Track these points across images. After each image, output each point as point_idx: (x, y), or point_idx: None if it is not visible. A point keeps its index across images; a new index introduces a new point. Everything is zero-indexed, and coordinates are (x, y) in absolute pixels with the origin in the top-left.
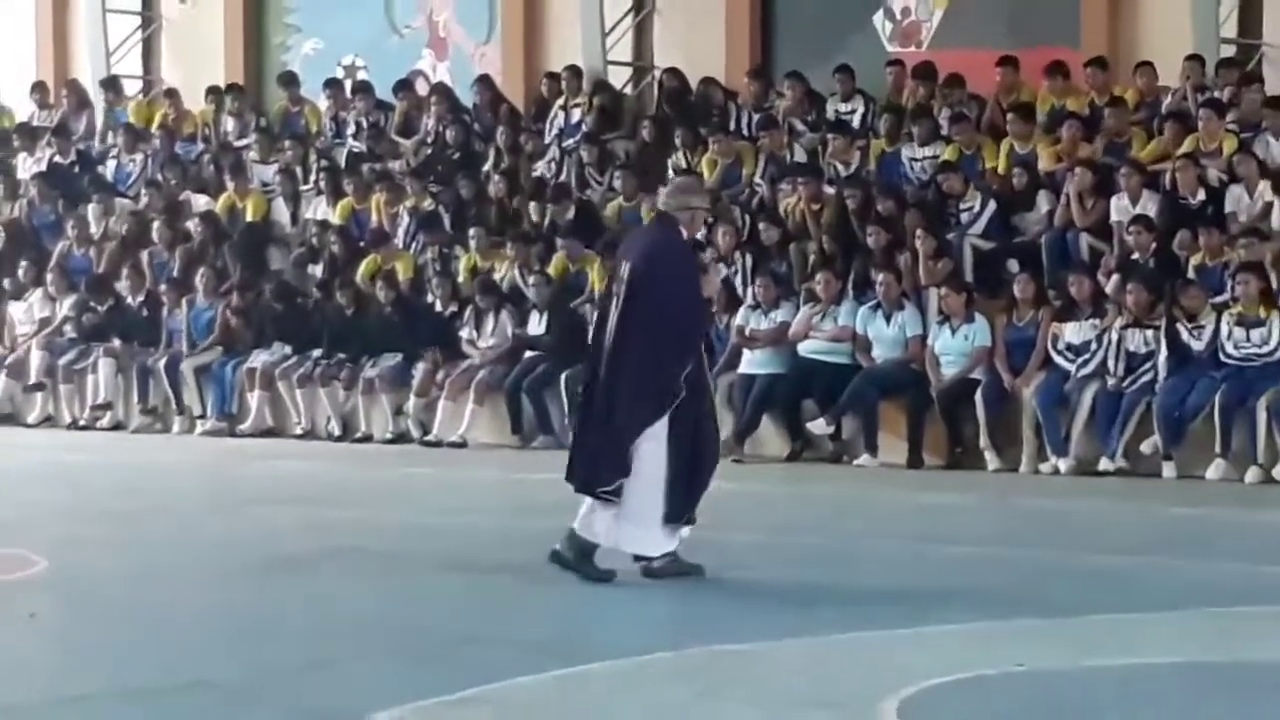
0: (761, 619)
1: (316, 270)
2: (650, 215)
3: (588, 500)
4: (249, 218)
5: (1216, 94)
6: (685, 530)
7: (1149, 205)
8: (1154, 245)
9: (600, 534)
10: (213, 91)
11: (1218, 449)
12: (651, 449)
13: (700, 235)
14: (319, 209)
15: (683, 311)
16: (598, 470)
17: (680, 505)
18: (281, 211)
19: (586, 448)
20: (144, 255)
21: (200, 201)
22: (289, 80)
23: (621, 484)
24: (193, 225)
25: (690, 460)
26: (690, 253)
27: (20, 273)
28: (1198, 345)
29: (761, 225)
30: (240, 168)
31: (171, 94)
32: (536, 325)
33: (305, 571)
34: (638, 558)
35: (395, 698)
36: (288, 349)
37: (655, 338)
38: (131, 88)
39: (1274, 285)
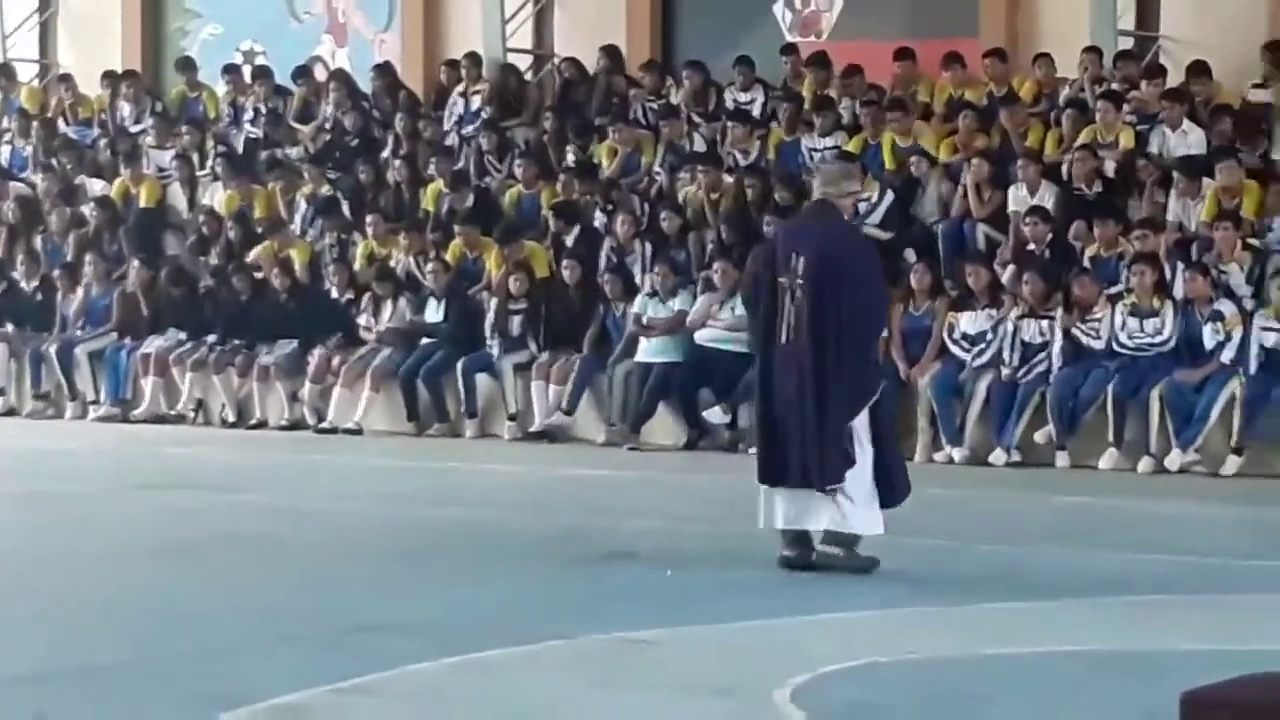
0: (657, 607)
1: (212, 256)
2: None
3: (788, 499)
4: (143, 203)
5: (1115, 86)
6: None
7: (1046, 196)
8: (1050, 236)
9: (829, 521)
10: (109, 76)
11: (1111, 439)
12: (860, 436)
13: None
14: (216, 195)
15: (875, 302)
16: (825, 467)
17: (894, 489)
18: (178, 197)
19: (805, 447)
20: (37, 240)
21: (96, 186)
22: (187, 65)
23: (847, 475)
24: (88, 210)
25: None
26: (870, 242)
27: None
28: (1096, 344)
29: (661, 214)
30: (136, 153)
31: (66, 79)
32: (434, 312)
33: (199, 557)
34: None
35: (288, 684)
36: (182, 335)
37: (856, 332)
38: (28, 71)
39: (1168, 276)
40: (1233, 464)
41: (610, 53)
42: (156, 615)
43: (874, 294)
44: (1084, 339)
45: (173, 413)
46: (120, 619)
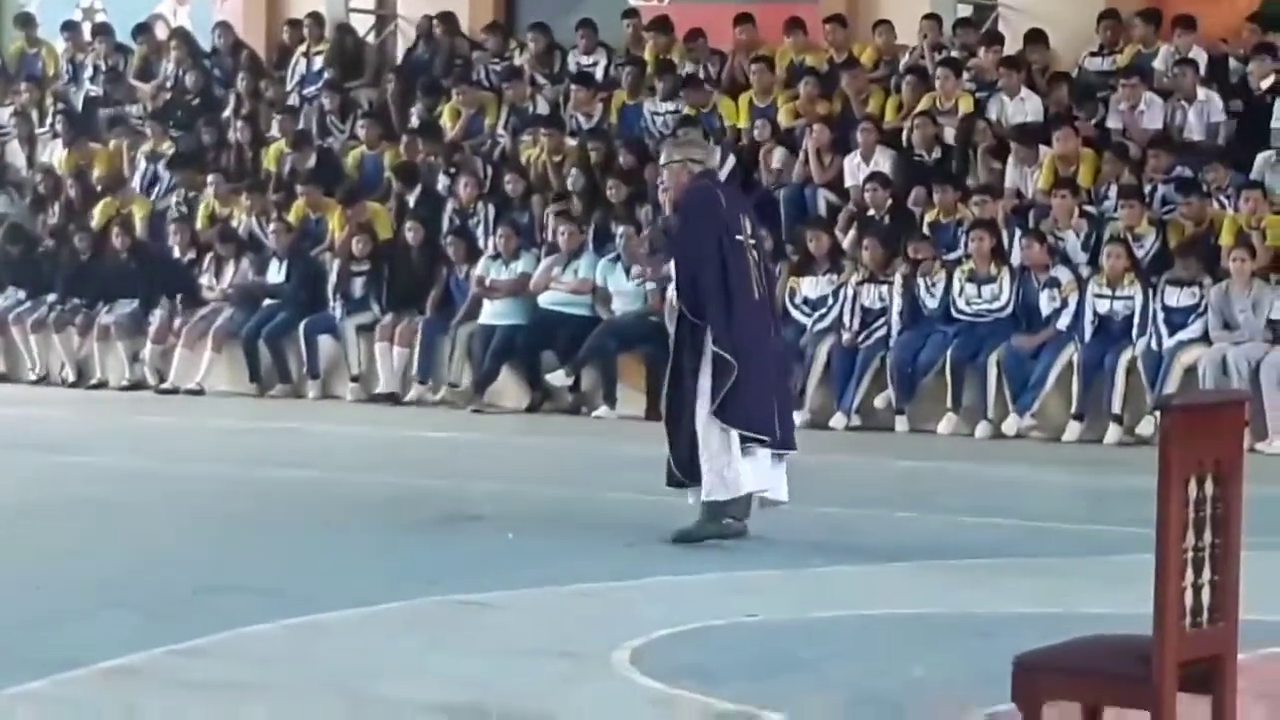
0: (496, 570)
1: (51, 214)
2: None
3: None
4: None
5: (954, 53)
6: None
7: (881, 162)
8: (890, 202)
9: (778, 487)
10: None
11: (949, 404)
12: None
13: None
14: (55, 153)
15: None
16: (792, 429)
17: None
18: (17, 155)
19: (782, 407)
20: None
21: None
22: (25, 21)
23: None
24: None
25: None
26: None
27: None
28: (932, 303)
29: (505, 176)
30: None
31: None
32: (276, 273)
33: (36, 520)
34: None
35: (124, 647)
36: (21, 294)
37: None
38: None
39: (1005, 243)
40: (1073, 430)
41: (446, 19)
42: None
43: None
44: (921, 291)
45: (29, 377)
46: None
